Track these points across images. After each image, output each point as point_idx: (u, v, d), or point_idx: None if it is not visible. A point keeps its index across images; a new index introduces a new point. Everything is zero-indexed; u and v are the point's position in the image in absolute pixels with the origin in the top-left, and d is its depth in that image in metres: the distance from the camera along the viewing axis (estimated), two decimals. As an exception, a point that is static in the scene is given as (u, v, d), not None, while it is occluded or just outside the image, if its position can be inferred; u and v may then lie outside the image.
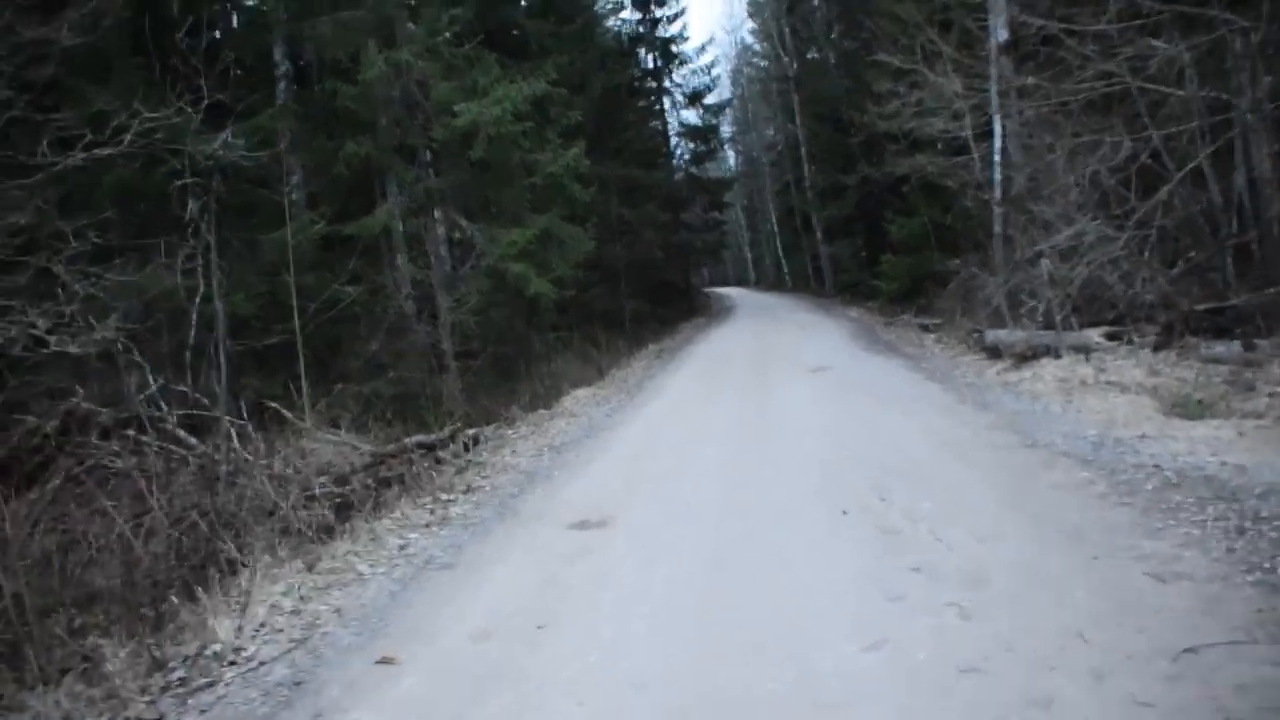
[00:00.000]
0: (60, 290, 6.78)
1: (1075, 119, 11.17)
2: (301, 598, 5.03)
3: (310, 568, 5.52)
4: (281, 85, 13.50)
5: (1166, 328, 9.59)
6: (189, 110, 7.90)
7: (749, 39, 44.27)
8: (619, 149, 22.52)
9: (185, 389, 7.93)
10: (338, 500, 7.18)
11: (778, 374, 12.26)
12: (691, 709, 3.34)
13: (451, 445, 9.27)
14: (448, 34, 12.76)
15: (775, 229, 43.15)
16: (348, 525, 6.53)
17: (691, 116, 32.29)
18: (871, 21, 16.39)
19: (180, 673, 4.13)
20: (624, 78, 26.15)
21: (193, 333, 8.49)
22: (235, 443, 7.43)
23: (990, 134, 13.91)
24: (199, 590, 5.01)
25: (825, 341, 16.24)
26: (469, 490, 7.58)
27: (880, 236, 21.91)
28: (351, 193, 13.38)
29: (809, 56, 31.59)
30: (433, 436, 9.38)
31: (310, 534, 6.34)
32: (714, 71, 33.01)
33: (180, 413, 7.55)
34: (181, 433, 7.38)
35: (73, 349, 6.66)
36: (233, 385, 9.73)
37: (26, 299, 6.60)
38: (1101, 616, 3.58)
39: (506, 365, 14.16)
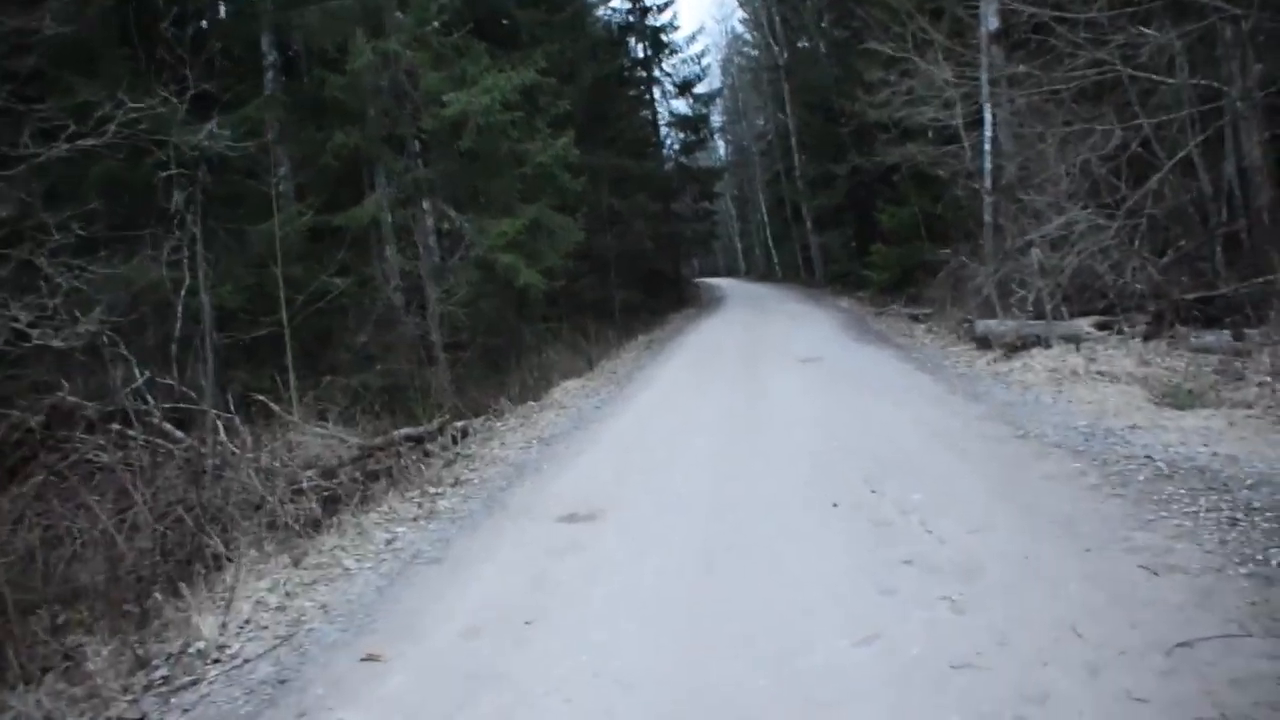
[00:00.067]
0: (43, 283, 6.71)
1: (1066, 107, 11.15)
2: (287, 593, 4.98)
3: (296, 563, 5.47)
4: (269, 75, 13.40)
5: (1156, 317, 9.59)
6: (174, 100, 7.83)
7: (739, 28, 44.10)
8: (609, 139, 22.43)
9: (171, 382, 7.84)
10: (325, 494, 7.12)
11: (768, 365, 12.22)
12: (682, 706, 3.31)
13: (440, 438, 9.21)
14: (436, 23, 12.69)
15: (765, 219, 43.10)
16: (335, 519, 6.48)
17: (681, 106, 32.25)
18: (862, 9, 16.31)
19: (163, 671, 4.07)
20: (614, 67, 26.05)
21: (179, 325, 8.42)
22: (222, 436, 7.37)
23: (981, 122, 13.88)
24: (183, 586, 4.96)
25: (815, 332, 16.21)
26: (457, 483, 7.52)
27: (870, 226, 21.85)
28: (340, 183, 13.30)
29: (799, 45, 31.47)
30: (421, 429, 9.32)
31: (297, 528, 6.29)
32: (704, 61, 32.93)
33: (166, 406, 7.47)
34: (168, 426, 7.31)
35: (55, 342, 6.60)
36: (219, 378, 9.68)
37: (8, 292, 6.52)
38: (1095, 609, 3.55)
39: (496, 357, 14.10)
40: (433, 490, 7.28)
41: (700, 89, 31.96)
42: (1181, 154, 10.13)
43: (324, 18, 12.12)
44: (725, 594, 4.30)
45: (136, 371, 7.28)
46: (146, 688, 3.95)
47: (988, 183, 13.81)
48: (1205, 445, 5.69)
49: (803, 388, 10.03)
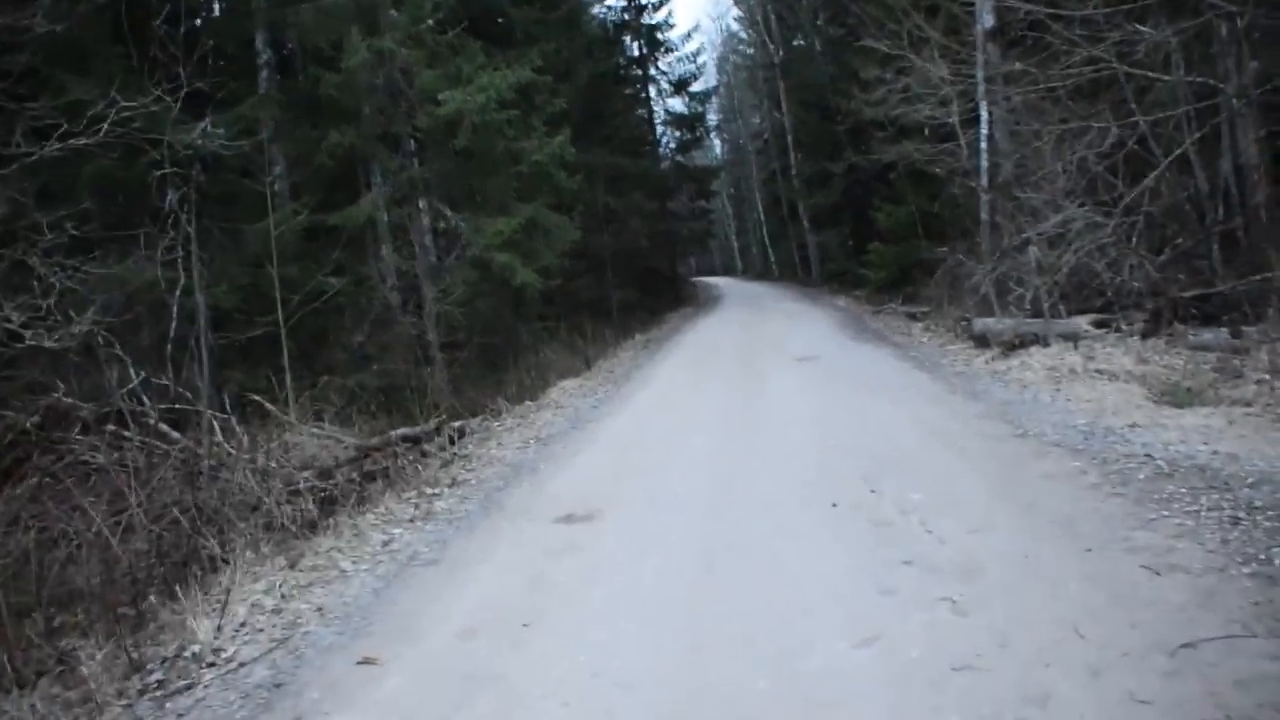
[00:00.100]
0: (36, 283, 6.67)
1: (1062, 105, 11.12)
2: (283, 596, 4.94)
3: (292, 565, 5.44)
4: (264, 74, 13.33)
5: (1154, 315, 9.58)
6: (167, 99, 7.78)
7: (734, 26, 44.10)
8: (605, 137, 22.40)
9: (167, 383, 7.81)
10: (322, 495, 7.10)
11: (765, 363, 12.21)
12: (682, 706, 3.29)
13: (437, 438, 9.18)
14: (431, 21, 12.66)
15: (762, 217, 43.06)
16: (331, 520, 6.44)
17: (677, 104, 32.23)
18: (857, 7, 16.25)
19: (158, 675, 4.04)
20: (609, 65, 26.02)
21: (174, 325, 8.35)
22: (218, 437, 7.35)
23: (977, 120, 13.85)
24: (179, 589, 4.92)
25: (813, 330, 16.20)
26: (454, 484, 7.49)
27: (867, 224, 21.84)
28: (335, 182, 13.24)
29: (795, 43, 31.48)
30: (418, 429, 9.29)
31: (294, 530, 6.26)
32: (700, 59, 33.02)
33: (162, 407, 7.44)
34: (163, 427, 7.28)
35: (49, 343, 6.55)
36: (215, 378, 9.61)
37: (1, 293, 6.48)
38: (1096, 610, 3.53)
39: (492, 356, 14.07)
40: (430, 491, 7.25)
41: (696, 87, 32.01)
42: (1178, 151, 10.11)
43: (318, 15, 12.07)
44: (724, 594, 4.27)
45: (132, 372, 7.25)
46: (141, 692, 3.92)
47: (984, 180, 13.79)
48: (1205, 443, 5.67)
49: (800, 386, 10.01)
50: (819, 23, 27.25)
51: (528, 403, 11.31)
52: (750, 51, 40.56)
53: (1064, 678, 3.08)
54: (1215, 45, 10.12)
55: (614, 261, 21.60)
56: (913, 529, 4.83)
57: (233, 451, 7.19)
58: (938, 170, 14.91)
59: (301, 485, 7.03)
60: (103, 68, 9.19)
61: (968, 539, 4.54)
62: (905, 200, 18.42)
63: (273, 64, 13.83)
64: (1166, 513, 4.52)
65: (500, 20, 17.68)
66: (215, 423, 7.42)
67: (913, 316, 15.70)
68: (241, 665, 4.11)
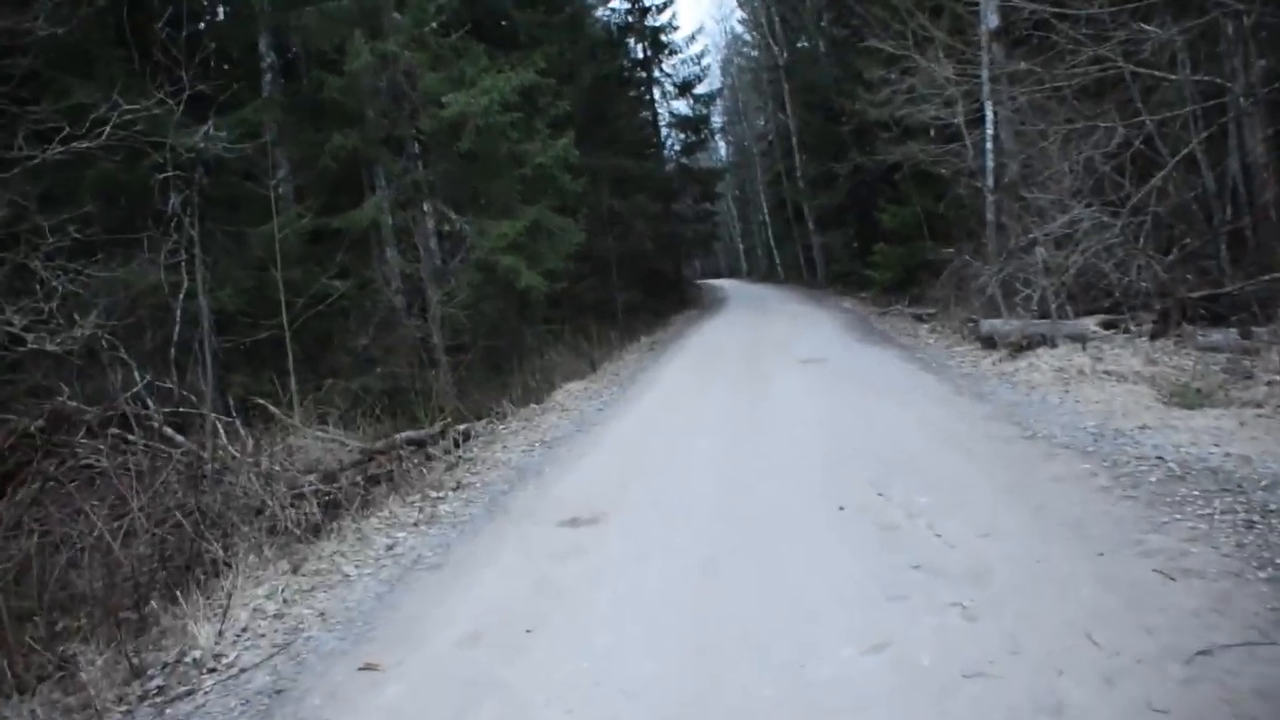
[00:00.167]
0: (39, 287, 6.65)
1: (1068, 105, 11.08)
2: (285, 600, 4.90)
3: (295, 569, 5.40)
4: (267, 77, 13.35)
5: (1163, 316, 9.51)
6: (170, 102, 7.76)
7: (738, 28, 44.04)
8: (609, 139, 22.35)
9: (171, 386, 7.81)
10: (326, 499, 7.05)
11: (771, 365, 12.15)
12: (688, 712, 3.24)
13: (441, 441, 9.15)
14: (434, 24, 12.63)
15: (766, 219, 43.02)
16: (335, 524, 6.40)
17: (682, 106, 32.23)
18: (861, 8, 16.23)
19: (158, 680, 4.01)
20: (613, 68, 26.01)
21: (177, 329, 8.35)
22: (222, 440, 7.31)
23: (982, 120, 13.80)
24: (180, 593, 4.89)
25: (818, 332, 16.15)
26: (459, 487, 7.45)
27: (872, 226, 21.75)
28: (339, 185, 13.23)
29: (799, 45, 31.42)
30: (422, 432, 9.26)
31: (297, 533, 6.22)
32: (704, 61, 32.91)
33: (166, 410, 7.43)
34: (168, 430, 7.26)
35: (51, 346, 6.54)
36: (219, 382, 9.61)
37: (4, 296, 6.47)
38: (1110, 616, 3.47)
39: (497, 359, 14.03)
40: (434, 494, 7.21)
41: (700, 89, 32.02)
42: (1185, 151, 10.06)
43: (322, 19, 12.06)
44: (730, 599, 4.22)
45: (136, 375, 7.23)
46: (141, 698, 3.89)
47: (990, 181, 13.74)
48: (1217, 445, 5.59)
49: (806, 389, 9.96)
50: (823, 24, 27.22)
51: (532, 406, 11.27)
52: (754, 53, 40.52)
53: (1077, 685, 3.02)
54: (1222, 44, 10.09)
55: (619, 264, 21.58)
56: (921, 532, 4.77)
57: (236, 455, 7.15)
58: (943, 171, 14.86)
59: (305, 489, 6.98)
60: (105, 71, 9.19)
61: (977, 542, 4.48)
62: (910, 201, 18.34)
63: (276, 67, 13.84)
64: (1179, 516, 4.46)
65: (504, 23, 17.66)
66: (219, 426, 7.39)
67: (919, 318, 15.63)
68: (242, 671, 4.07)
